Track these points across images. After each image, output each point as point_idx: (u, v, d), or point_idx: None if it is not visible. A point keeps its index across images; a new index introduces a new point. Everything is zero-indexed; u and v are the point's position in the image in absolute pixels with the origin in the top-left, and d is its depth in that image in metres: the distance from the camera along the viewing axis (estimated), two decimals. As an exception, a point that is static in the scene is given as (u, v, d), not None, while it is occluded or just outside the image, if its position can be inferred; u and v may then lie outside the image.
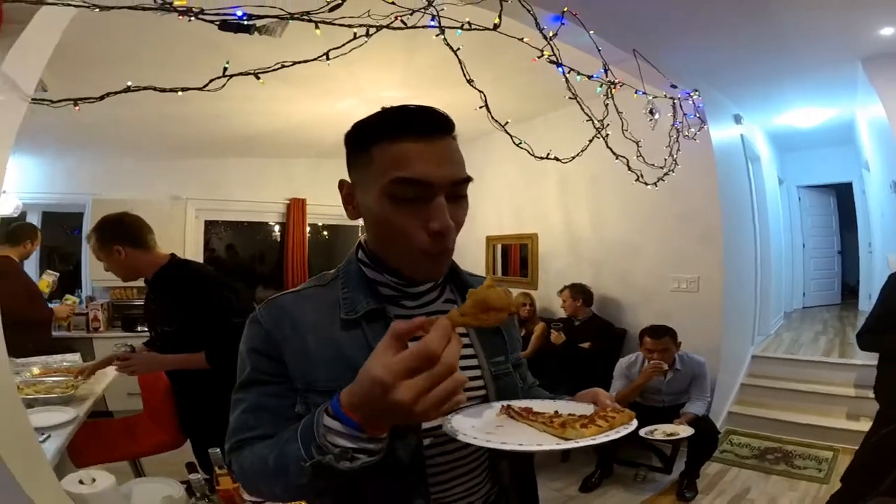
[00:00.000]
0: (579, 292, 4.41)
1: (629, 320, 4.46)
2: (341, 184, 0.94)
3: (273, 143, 5.49)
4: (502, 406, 0.89)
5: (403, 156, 0.80)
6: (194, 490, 1.57)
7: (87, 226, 5.10)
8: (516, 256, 5.67)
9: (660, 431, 3.17)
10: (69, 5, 1.21)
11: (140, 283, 2.35)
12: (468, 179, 0.85)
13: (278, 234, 6.80)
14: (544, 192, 5.14)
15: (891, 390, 2.32)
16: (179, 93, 1.64)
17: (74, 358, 3.31)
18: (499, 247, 5.85)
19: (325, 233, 7.86)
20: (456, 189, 0.84)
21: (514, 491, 1.01)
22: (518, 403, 0.90)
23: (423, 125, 0.83)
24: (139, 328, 4.92)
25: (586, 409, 0.89)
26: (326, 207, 6.48)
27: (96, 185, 5.19)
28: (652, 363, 3.36)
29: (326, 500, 0.87)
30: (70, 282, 5.25)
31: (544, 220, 5.17)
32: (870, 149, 5.34)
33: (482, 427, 0.82)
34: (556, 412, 0.85)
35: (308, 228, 6.63)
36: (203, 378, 2.22)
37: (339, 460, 0.68)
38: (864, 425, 2.48)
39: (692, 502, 3.26)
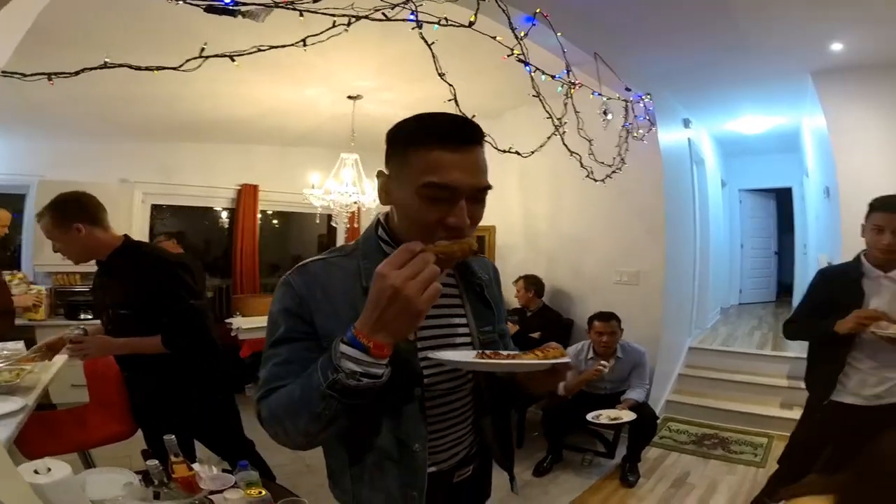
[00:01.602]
0: (532, 284, 4.57)
1: (577, 311, 4.65)
2: (379, 173, 1.05)
3: (232, 129, 5.38)
4: (479, 352, 1.06)
5: (437, 163, 0.93)
6: (152, 477, 1.55)
7: (31, 208, 4.91)
8: (473, 247, 5.74)
9: (604, 416, 3.41)
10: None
11: (84, 268, 2.28)
12: (489, 187, 0.99)
13: (226, 220, 6.61)
14: (505, 186, 5.24)
15: (817, 377, 2.46)
16: (155, 72, 1.62)
17: (17, 346, 3.10)
18: (456, 238, 5.90)
19: (276, 221, 7.65)
20: (477, 194, 0.97)
21: (495, 446, 1.22)
22: (490, 351, 1.08)
23: (458, 136, 0.95)
24: (83, 315, 4.74)
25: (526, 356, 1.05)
26: (280, 195, 6.37)
27: (42, 166, 4.95)
28: (595, 367, 3.56)
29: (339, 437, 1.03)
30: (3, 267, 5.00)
31: (504, 213, 5.29)
32: (811, 157, 5.68)
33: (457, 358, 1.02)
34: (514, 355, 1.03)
35: (259, 216, 6.41)
36: (157, 363, 2.19)
37: (347, 378, 0.83)
38: (797, 413, 2.66)
39: (635, 486, 3.43)
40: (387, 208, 1.10)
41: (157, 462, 1.56)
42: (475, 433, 1.19)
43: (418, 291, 0.81)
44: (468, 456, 1.18)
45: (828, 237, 4.75)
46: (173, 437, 1.66)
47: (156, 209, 5.93)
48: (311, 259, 1.09)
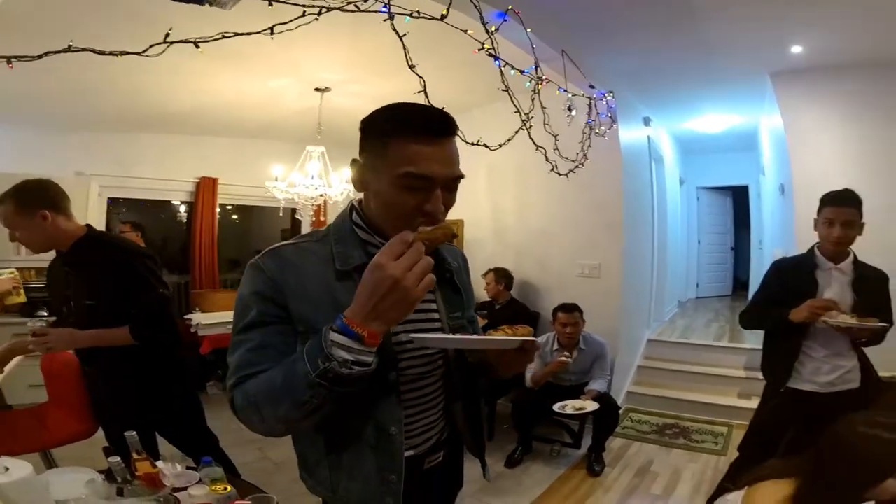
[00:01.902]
0: (502, 276, 4.63)
1: (543, 303, 4.72)
2: (354, 161, 1.07)
3: (191, 121, 5.25)
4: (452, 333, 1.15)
5: (416, 155, 0.96)
6: (115, 475, 1.52)
7: None
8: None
9: (570, 406, 3.50)
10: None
11: (39, 263, 2.18)
12: (461, 177, 1.04)
13: (185, 214, 6.43)
14: (473, 181, 5.25)
15: (773, 366, 2.56)
16: (118, 56, 1.57)
17: None
18: (426, 231, 5.91)
19: (236, 216, 7.49)
20: (451, 183, 1.01)
21: (466, 432, 1.26)
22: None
23: (434, 128, 0.99)
24: (39, 313, 4.54)
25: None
26: (240, 188, 6.25)
27: (-8, 157, 4.72)
28: (559, 360, 3.66)
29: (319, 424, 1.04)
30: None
31: (472, 207, 5.31)
32: (768, 155, 5.88)
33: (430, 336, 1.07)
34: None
35: (218, 210, 6.26)
36: (123, 357, 2.13)
37: (340, 367, 0.84)
38: (755, 403, 2.75)
39: (602, 475, 3.52)
40: (360, 195, 1.11)
41: (119, 459, 1.52)
42: (446, 419, 1.22)
43: (416, 282, 0.84)
44: (439, 442, 1.20)
45: (782, 233, 4.93)
46: (135, 433, 1.62)
47: (112, 202, 5.75)
48: (280, 244, 1.09)
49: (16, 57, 1.50)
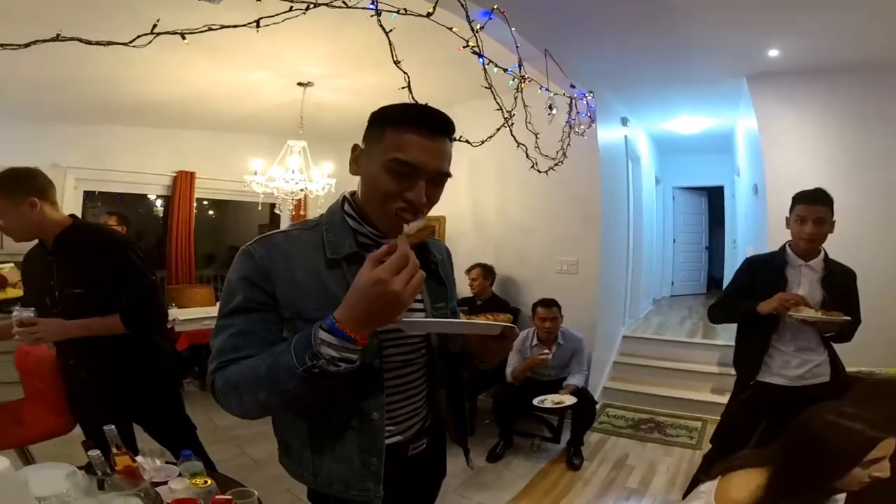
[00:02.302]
0: (489, 272, 4.68)
1: (523, 299, 4.77)
2: (355, 147, 1.13)
3: (168, 113, 5.16)
4: None
5: (408, 143, 1.02)
6: (95, 468, 1.50)
7: None
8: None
9: (549, 401, 3.56)
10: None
11: (12, 257, 2.14)
12: (448, 175, 1.10)
13: (161, 208, 6.34)
14: (455, 177, 5.23)
15: (743, 359, 2.61)
16: (105, 46, 1.56)
17: None
18: (408, 227, 5.92)
19: (212, 211, 7.40)
20: (437, 178, 1.07)
21: (449, 419, 1.31)
22: None
23: (431, 124, 1.05)
24: (10, 307, 4.42)
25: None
26: (217, 182, 6.18)
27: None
28: (539, 356, 3.74)
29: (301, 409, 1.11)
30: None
31: (453, 203, 5.34)
32: (742, 156, 6.01)
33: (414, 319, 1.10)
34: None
35: (195, 204, 6.19)
36: (110, 347, 2.11)
37: (327, 364, 0.89)
38: (728, 398, 2.83)
39: (581, 469, 3.58)
40: (353, 188, 1.17)
41: (99, 452, 1.50)
42: (429, 407, 1.27)
43: (412, 294, 0.90)
44: (422, 429, 1.25)
45: (755, 231, 5.03)
46: (114, 427, 1.60)
47: (88, 196, 5.65)
48: (273, 231, 1.13)
49: (3, 45, 1.47)
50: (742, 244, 6.25)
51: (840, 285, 2.44)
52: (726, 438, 2.65)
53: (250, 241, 1.10)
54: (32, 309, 2.05)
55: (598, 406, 4.44)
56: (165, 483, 1.54)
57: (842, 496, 1.52)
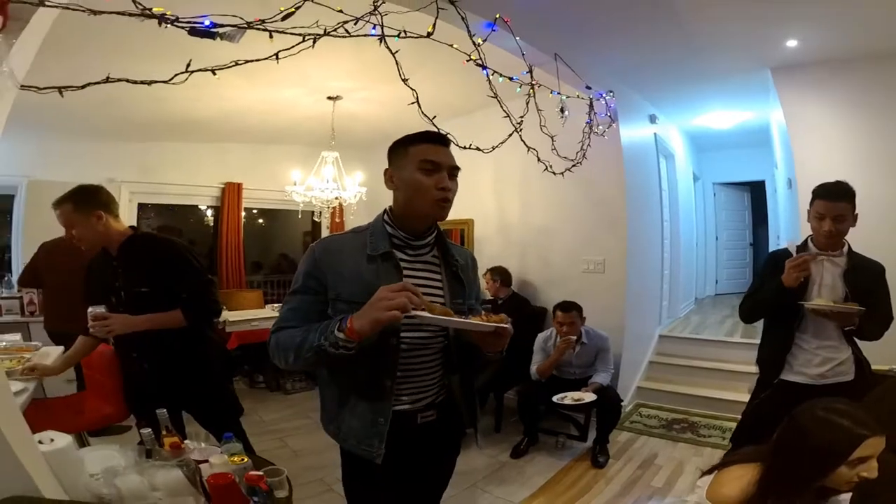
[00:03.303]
0: (497, 274, 4.78)
1: (549, 299, 4.78)
2: (386, 171, 1.50)
3: (213, 128, 5.49)
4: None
5: (429, 151, 1.44)
6: (145, 443, 1.69)
7: (21, 208, 5.10)
8: (456, 240, 5.91)
9: (569, 398, 3.62)
10: (67, 8, 1.39)
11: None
12: (458, 168, 1.48)
13: (211, 218, 6.71)
14: (481, 181, 5.42)
15: (766, 357, 2.58)
16: (149, 85, 1.80)
17: (14, 338, 3.25)
18: (440, 231, 6.08)
19: (261, 220, 7.73)
20: (452, 171, 1.46)
21: (462, 403, 1.57)
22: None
23: (438, 139, 1.48)
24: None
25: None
26: (264, 192, 6.51)
27: (30, 166, 5.05)
28: (563, 339, 3.78)
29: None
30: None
31: (480, 207, 5.47)
32: (778, 149, 5.82)
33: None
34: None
35: (243, 213, 6.54)
36: (169, 338, 2.38)
37: (330, 347, 1.27)
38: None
39: (605, 467, 3.60)
40: (381, 195, 1.53)
41: (150, 430, 1.70)
42: (442, 388, 1.55)
43: (385, 310, 1.21)
44: (432, 403, 1.52)
45: (791, 226, 4.92)
46: (165, 411, 1.79)
47: (141, 208, 6.04)
48: (332, 235, 1.58)
49: (65, 87, 1.73)
50: (786, 240, 6.05)
51: (865, 280, 2.34)
52: (745, 437, 2.61)
53: (316, 241, 1.52)
54: (103, 306, 2.34)
55: (628, 405, 4.45)
56: (206, 462, 1.72)
57: (846, 497, 1.47)
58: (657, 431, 4.23)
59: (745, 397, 4.44)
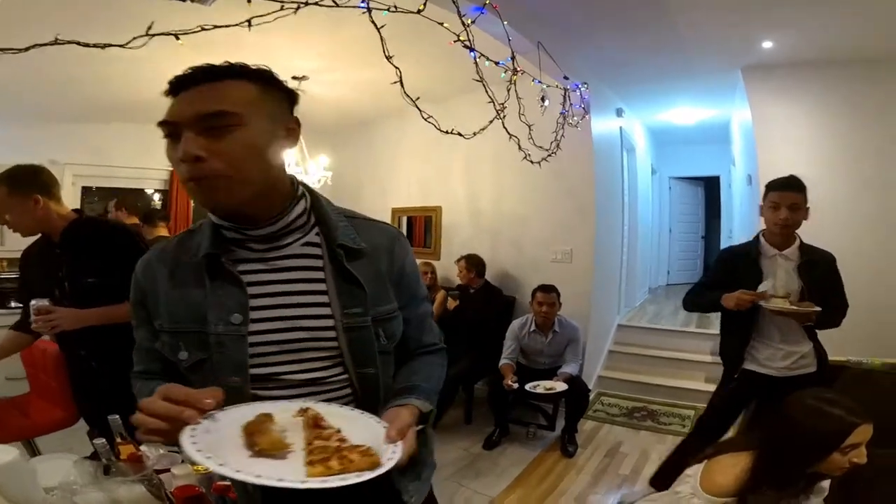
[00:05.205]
0: (473, 264, 4.71)
1: (519, 288, 4.83)
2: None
3: (164, 108, 5.17)
4: (300, 409, 0.87)
5: (168, 108, 0.90)
6: (100, 455, 1.54)
7: None
8: (421, 228, 5.86)
9: (541, 387, 3.64)
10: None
11: (8, 254, 2.19)
12: (220, 112, 0.86)
13: (159, 203, 6.39)
14: (451, 168, 5.36)
15: (728, 350, 2.60)
16: (102, 49, 1.60)
17: None
18: (404, 218, 5.99)
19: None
20: (202, 120, 0.86)
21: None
22: (319, 408, 0.88)
23: (178, 83, 0.91)
24: (12, 304, 4.45)
25: (372, 428, 0.85)
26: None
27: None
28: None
29: None
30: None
31: (449, 194, 5.40)
32: (738, 147, 6.02)
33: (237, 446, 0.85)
34: (337, 432, 0.83)
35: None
36: (119, 335, 2.15)
37: None
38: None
39: (575, 456, 3.65)
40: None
41: (104, 441, 1.55)
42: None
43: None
44: None
45: (749, 221, 5.07)
46: (118, 417, 1.64)
47: (85, 192, 5.70)
48: (161, 242, 1.09)
49: (3, 49, 1.51)
50: (738, 234, 6.23)
51: (818, 272, 2.40)
52: (707, 425, 2.66)
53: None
54: (47, 299, 2.09)
55: (592, 395, 4.51)
56: (168, 470, 1.59)
57: (827, 482, 1.55)
58: (620, 420, 4.32)
59: (703, 386, 4.66)
